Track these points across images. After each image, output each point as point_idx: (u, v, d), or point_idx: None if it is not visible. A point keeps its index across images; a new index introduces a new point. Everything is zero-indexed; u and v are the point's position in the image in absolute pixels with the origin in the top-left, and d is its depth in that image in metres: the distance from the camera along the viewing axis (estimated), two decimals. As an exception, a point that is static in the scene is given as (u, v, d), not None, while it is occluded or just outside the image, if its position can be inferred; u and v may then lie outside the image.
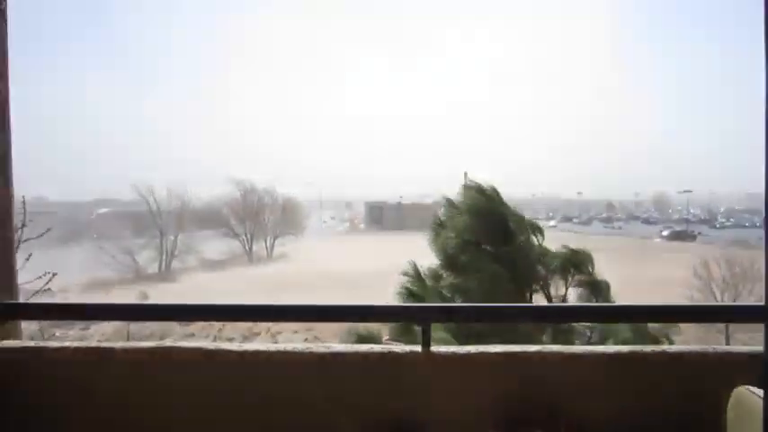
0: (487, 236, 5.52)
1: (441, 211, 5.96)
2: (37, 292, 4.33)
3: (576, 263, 5.57)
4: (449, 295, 5.47)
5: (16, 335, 2.34)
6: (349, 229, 59.12)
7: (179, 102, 67.22)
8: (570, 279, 5.60)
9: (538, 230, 5.92)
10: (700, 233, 47.13)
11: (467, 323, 4.52)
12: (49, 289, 4.55)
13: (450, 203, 5.82)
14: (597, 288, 5.52)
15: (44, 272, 4.66)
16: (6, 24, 2.25)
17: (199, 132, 64.00)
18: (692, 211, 58.42)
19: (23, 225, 4.51)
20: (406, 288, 5.64)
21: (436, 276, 5.66)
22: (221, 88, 71.92)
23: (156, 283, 32.26)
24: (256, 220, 43.16)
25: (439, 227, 5.80)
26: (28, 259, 4.31)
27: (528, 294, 5.55)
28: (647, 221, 57.85)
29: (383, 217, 57.75)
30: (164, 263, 38.25)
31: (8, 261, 2.29)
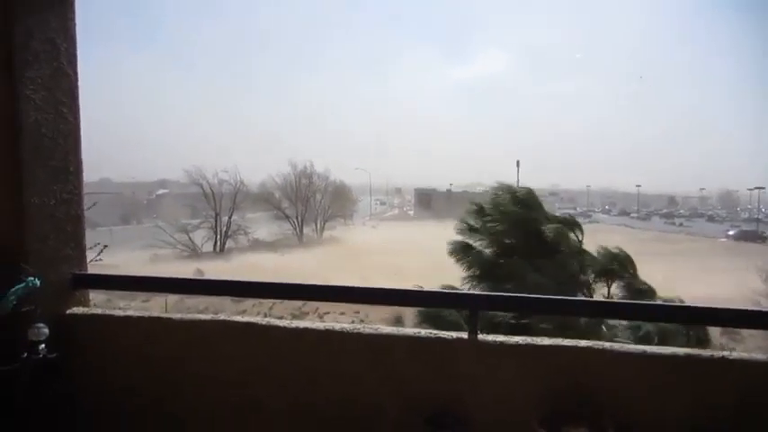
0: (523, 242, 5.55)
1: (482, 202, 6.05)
2: (90, 261, 4.51)
3: (612, 268, 5.41)
4: None
5: (86, 303, 2.52)
6: (398, 216, 59.18)
7: (234, 87, 69.07)
8: (610, 283, 5.48)
9: (577, 227, 5.82)
10: (771, 234, 44.12)
11: (517, 313, 4.48)
12: (100, 260, 4.56)
13: (481, 209, 5.84)
14: (640, 293, 5.33)
15: (95, 243, 4.62)
16: (74, 22, 2.39)
17: (255, 117, 65.62)
18: (763, 209, 54.59)
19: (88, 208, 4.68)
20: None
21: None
22: (283, 76, 73.27)
23: (210, 260, 33.48)
24: (307, 203, 43.98)
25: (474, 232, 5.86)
26: (103, 248, 4.48)
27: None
28: (711, 219, 54.57)
29: (432, 204, 57.38)
30: (218, 242, 39.68)
31: (79, 236, 2.46)
